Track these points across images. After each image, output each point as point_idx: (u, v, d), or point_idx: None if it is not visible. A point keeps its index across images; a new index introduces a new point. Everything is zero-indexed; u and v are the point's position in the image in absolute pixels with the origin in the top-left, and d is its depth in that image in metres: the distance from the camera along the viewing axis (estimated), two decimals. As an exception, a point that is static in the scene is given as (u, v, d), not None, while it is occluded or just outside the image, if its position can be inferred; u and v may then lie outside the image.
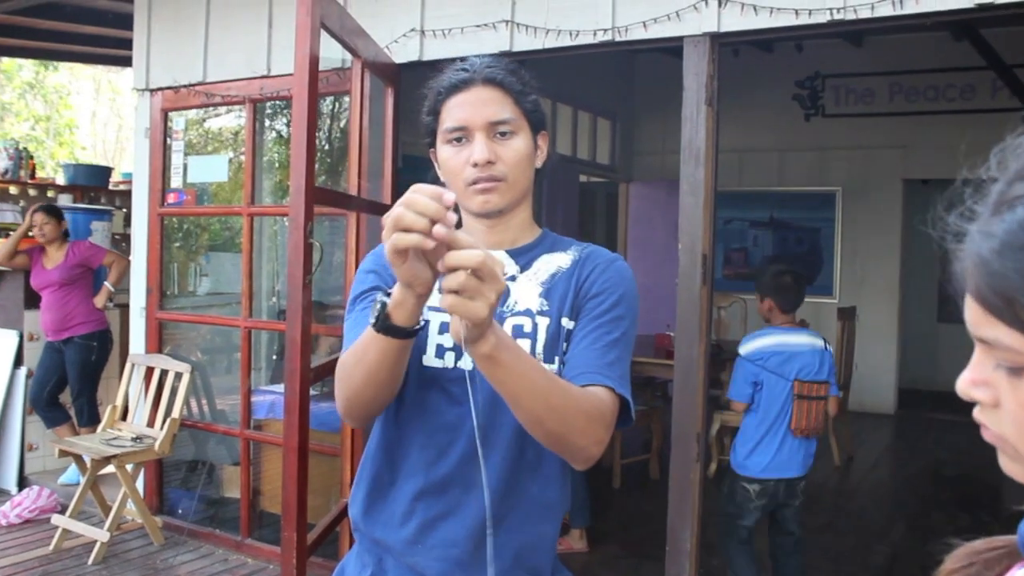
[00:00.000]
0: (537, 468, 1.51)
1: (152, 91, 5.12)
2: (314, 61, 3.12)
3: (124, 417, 5.17)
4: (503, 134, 1.49)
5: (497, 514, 1.42)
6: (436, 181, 1.39)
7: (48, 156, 16.29)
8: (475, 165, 1.47)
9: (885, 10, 3.12)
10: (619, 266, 1.56)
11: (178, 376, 4.95)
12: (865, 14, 3.16)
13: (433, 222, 1.08)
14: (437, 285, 1.48)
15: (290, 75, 3.60)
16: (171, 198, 5.09)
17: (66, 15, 6.04)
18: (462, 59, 1.55)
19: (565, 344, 1.49)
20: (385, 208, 3.88)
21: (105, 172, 8.05)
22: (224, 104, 4.97)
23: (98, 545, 4.55)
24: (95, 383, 5.82)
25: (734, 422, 4.06)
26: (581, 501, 4.65)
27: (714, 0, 3.40)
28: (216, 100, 4.90)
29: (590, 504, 4.76)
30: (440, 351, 1.49)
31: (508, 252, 1.56)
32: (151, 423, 4.97)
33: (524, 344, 1.47)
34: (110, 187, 7.79)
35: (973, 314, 0.67)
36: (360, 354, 1.33)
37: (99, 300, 5.75)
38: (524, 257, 1.57)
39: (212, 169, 5.50)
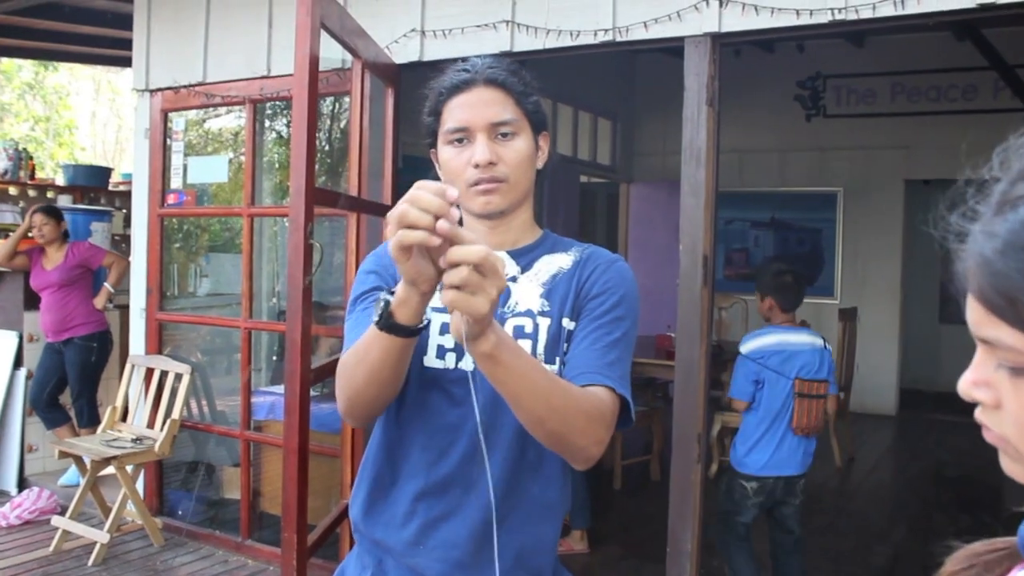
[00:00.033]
0: (538, 468, 1.51)
1: (152, 91, 5.11)
2: (314, 61, 3.11)
3: (124, 418, 5.16)
4: (505, 135, 1.48)
5: (498, 515, 1.41)
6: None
7: (48, 157, 16.29)
8: (477, 166, 1.46)
9: (887, 10, 3.11)
10: (620, 267, 1.55)
11: (178, 377, 4.94)
12: (867, 14, 3.15)
13: (437, 218, 1.08)
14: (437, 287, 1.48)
15: (290, 75, 3.58)
16: (171, 199, 5.08)
17: (65, 15, 6.03)
18: (463, 59, 1.55)
19: (566, 345, 1.48)
20: (385, 209, 3.88)
21: (105, 173, 8.04)
22: (224, 104, 4.97)
23: (98, 546, 4.54)
24: (95, 384, 5.81)
25: (735, 423, 4.06)
26: (582, 502, 4.64)
27: (715, 0, 3.39)
28: (216, 101, 4.89)
29: (591, 505, 4.75)
30: (441, 352, 1.49)
31: (509, 253, 1.56)
32: (151, 424, 4.96)
33: (525, 345, 1.47)
34: (110, 188, 7.78)
35: (975, 314, 0.67)
36: (362, 353, 1.32)
37: (99, 301, 5.74)
38: (525, 258, 1.57)
39: (212, 170, 5.49)
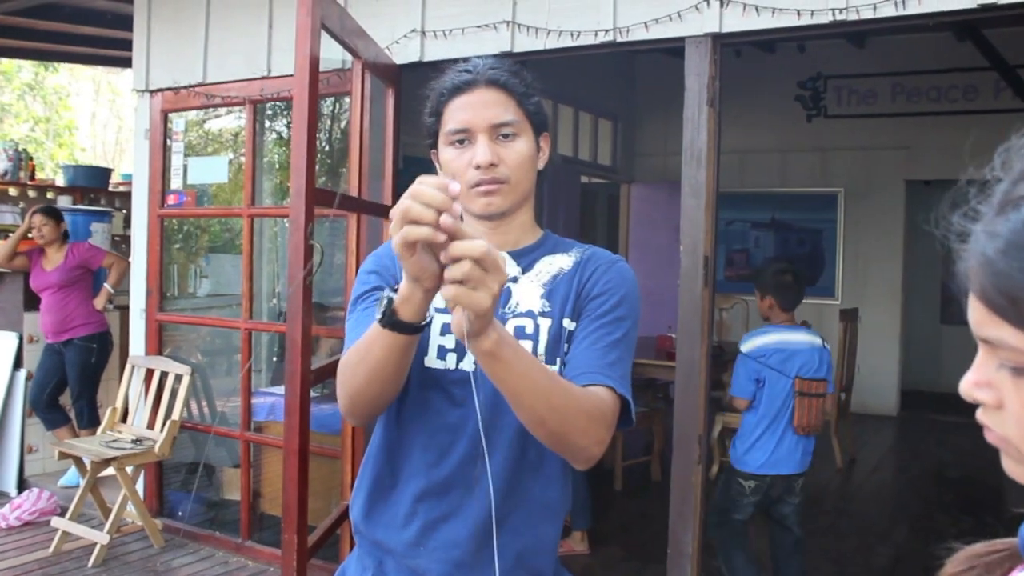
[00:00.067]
0: (538, 469, 1.51)
1: (152, 92, 5.11)
2: (314, 62, 3.11)
3: (124, 419, 5.15)
4: (506, 136, 1.48)
5: (499, 515, 1.42)
6: None
7: (48, 157, 16.28)
8: (478, 167, 1.46)
9: (887, 10, 3.10)
10: (621, 267, 1.55)
11: (178, 378, 4.93)
12: (867, 14, 3.15)
13: (440, 213, 1.09)
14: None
15: (290, 76, 3.58)
16: (171, 199, 5.08)
17: (65, 16, 6.03)
18: (464, 60, 1.54)
19: (567, 345, 1.48)
20: (386, 210, 3.88)
21: (105, 173, 8.03)
22: (224, 105, 4.96)
23: (98, 547, 4.54)
24: (95, 385, 5.81)
25: (736, 424, 4.07)
26: (582, 503, 4.63)
27: (716, 0, 3.39)
28: (216, 101, 4.89)
29: (591, 506, 4.75)
30: (442, 352, 1.49)
31: (510, 254, 1.55)
32: (151, 425, 4.95)
33: (526, 345, 1.46)
34: (110, 188, 7.76)
35: (977, 314, 0.67)
36: (364, 351, 1.32)
37: (99, 302, 5.74)
38: (526, 259, 1.57)
39: (212, 170, 5.49)
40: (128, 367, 5.15)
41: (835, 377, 6.44)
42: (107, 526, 4.58)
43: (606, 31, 3.63)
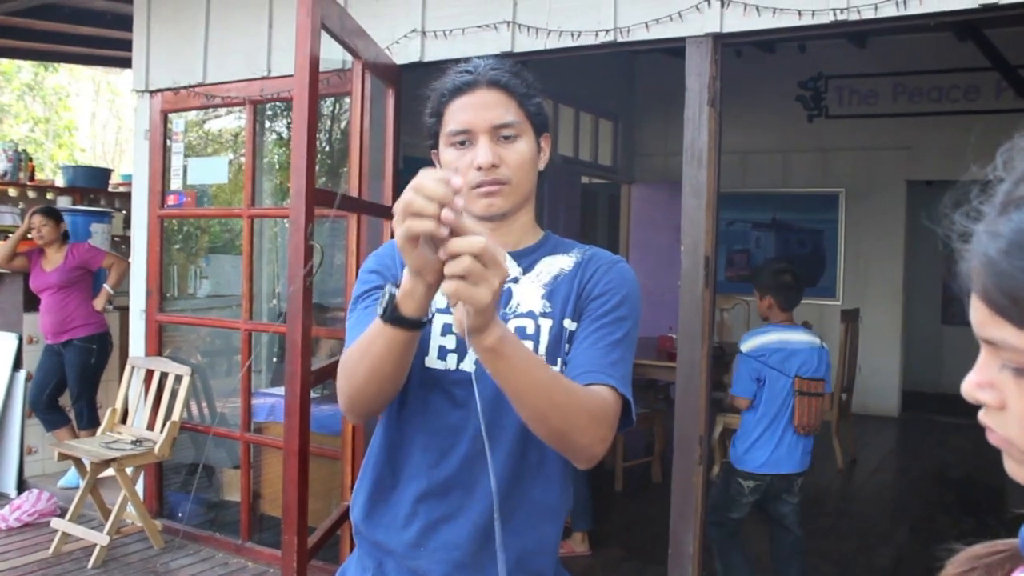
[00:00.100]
0: (539, 470, 1.51)
1: (152, 92, 5.10)
2: (315, 62, 3.10)
3: (124, 420, 5.15)
4: (507, 137, 1.48)
5: (500, 516, 1.41)
6: None
7: (47, 158, 16.28)
8: (479, 168, 1.46)
9: (889, 10, 3.10)
10: (621, 268, 1.55)
11: (178, 379, 4.93)
12: (868, 15, 3.14)
13: (443, 206, 1.09)
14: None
15: (290, 76, 3.58)
16: (171, 200, 5.07)
17: (64, 16, 6.02)
18: (464, 60, 1.54)
19: (568, 346, 1.48)
20: (386, 210, 3.87)
21: (104, 174, 8.02)
22: (224, 105, 4.96)
23: (98, 549, 4.53)
24: (95, 386, 5.80)
25: (737, 425, 4.07)
26: (583, 504, 4.62)
27: (716, 0, 3.38)
28: (216, 101, 4.88)
29: (592, 507, 4.74)
30: (442, 353, 1.49)
31: (511, 254, 1.55)
32: (151, 426, 4.95)
33: (527, 346, 1.45)
34: (109, 189, 7.75)
35: (979, 315, 0.67)
36: (365, 347, 1.32)
37: (98, 302, 5.73)
38: (527, 259, 1.57)
39: (212, 171, 5.48)
40: (128, 368, 5.15)
41: (835, 377, 6.48)
42: (107, 527, 4.57)
43: (607, 31, 3.62)
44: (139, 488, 4.97)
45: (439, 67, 1.58)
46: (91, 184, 7.57)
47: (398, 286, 1.25)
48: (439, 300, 1.49)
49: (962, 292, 0.68)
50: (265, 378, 5.64)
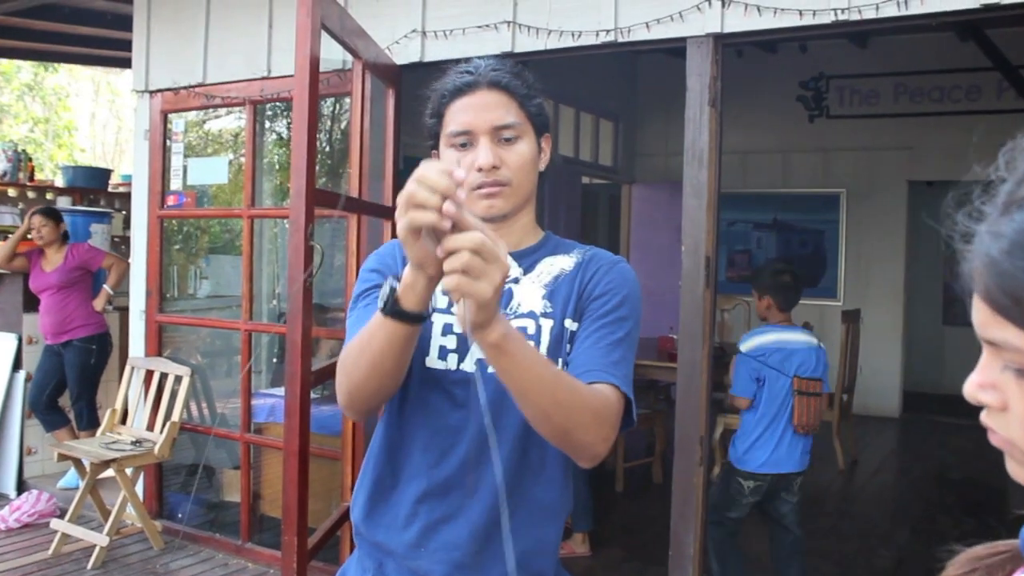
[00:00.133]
0: (540, 471, 1.51)
1: (151, 93, 5.10)
2: (315, 62, 3.10)
3: (124, 421, 5.14)
4: (508, 139, 1.48)
5: (500, 517, 1.42)
6: None
7: (47, 158, 16.28)
8: (480, 170, 1.46)
9: (890, 10, 3.09)
10: (622, 268, 1.55)
11: (178, 379, 4.92)
12: (870, 15, 3.13)
13: (445, 198, 1.09)
14: (440, 288, 1.47)
15: (291, 76, 3.57)
16: (171, 200, 5.07)
17: (64, 16, 6.02)
18: (464, 60, 1.54)
19: (569, 346, 1.49)
20: (386, 210, 3.87)
21: (104, 174, 8.01)
22: (224, 106, 4.95)
23: (97, 549, 4.53)
24: (94, 386, 5.80)
25: (737, 425, 4.07)
26: (584, 505, 4.61)
27: (717, 1, 3.37)
28: (216, 102, 4.88)
29: (593, 508, 4.73)
30: (443, 353, 1.49)
31: (511, 255, 1.54)
32: (151, 426, 4.94)
33: None
34: (109, 189, 7.75)
35: (981, 315, 0.66)
36: (365, 342, 1.32)
37: (98, 303, 5.73)
38: (527, 260, 1.57)
39: (212, 171, 5.47)
40: (128, 368, 5.14)
41: (836, 378, 6.48)
42: (106, 528, 4.57)
43: (607, 31, 3.61)
44: (139, 489, 4.97)
45: (439, 67, 1.58)
46: (91, 184, 7.56)
47: (399, 279, 1.26)
48: (440, 300, 1.49)
49: (964, 293, 0.68)
50: (265, 379, 5.63)
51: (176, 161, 5.06)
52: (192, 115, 5.30)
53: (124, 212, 7.20)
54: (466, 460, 1.46)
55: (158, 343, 5.10)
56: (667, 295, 5.23)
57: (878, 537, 5.22)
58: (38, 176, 8.05)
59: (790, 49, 8.36)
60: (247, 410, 4.69)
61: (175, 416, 4.81)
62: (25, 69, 16.46)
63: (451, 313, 1.50)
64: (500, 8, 3.85)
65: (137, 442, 4.85)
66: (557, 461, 1.52)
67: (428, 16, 4.06)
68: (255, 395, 4.94)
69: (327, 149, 6.22)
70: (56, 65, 15.52)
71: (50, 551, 4.64)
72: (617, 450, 5.80)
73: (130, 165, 7.88)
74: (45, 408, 5.65)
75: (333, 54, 3.63)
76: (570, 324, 1.49)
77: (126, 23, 5.38)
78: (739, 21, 3.35)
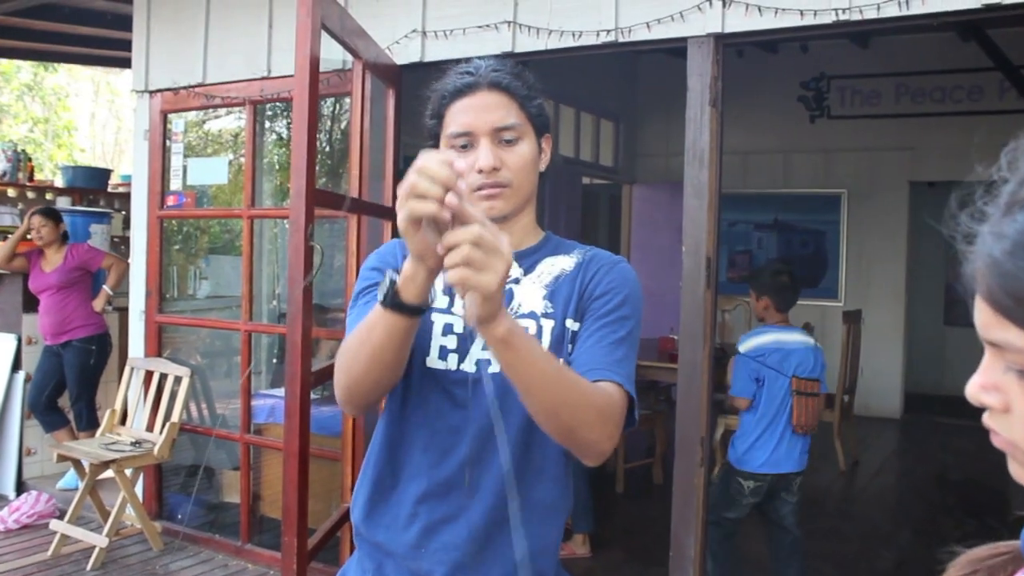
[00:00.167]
0: (541, 471, 1.51)
1: (151, 93, 5.09)
2: (315, 62, 3.09)
3: (123, 421, 5.13)
4: (508, 140, 1.48)
5: (500, 517, 1.44)
6: None
7: (47, 158, 16.26)
8: (480, 171, 1.46)
9: (891, 11, 3.08)
10: (623, 267, 1.56)
11: (177, 380, 4.91)
12: (871, 15, 3.12)
13: (447, 188, 1.09)
14: (440, 287, 1.47)
15: (291, 76, 3.56)
16: (170, 200, 5.06)
17: (64, 16, 6.01)
18: (465, 60, 1.54)
19: (570, 346, 1.49)
20: (387, 211, 3.86)
21: (104, 174, 8.00)
22: (224, 106, 4.94)
23: (97, 551, 4.52)
24: (94, 387, 5.79)
25: (737, 426, 4.07)
26: (584, 506, 4.61)
27: (718, 1, 3.36)
28: (216, 102, 4.87)
29: (593, 509, 4.72)
30: (443, 353, 1.49)
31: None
32: (150, 427, 4.94)
33: None
34: (109, 189, 7.74)
35: (984, 316, 0.66)
36: (365, 335, 1.33)
37: (98, 303, 5.72)
38: (528, 260, 1.57)
39: (212, 171, 5.47)
40: (127, 369, 5.13)
41: (839, 378, 6.48)
42: (106, 529, 4.56)
43: (608, 31, 3.60)
44: (138, 490, 4.96)
45: (440, 67, 1.58)
46: (90, 185, 7.55)
47: (399, 272, 1.26)
48: (440, 300, 1.49)
49: (966, 294, 0.67)
50: (265, 379, 5.63)
51: (176, 161, 5.05)
52: (192, 115, 5.29)
53: (124, 212, 7.19)
54: (467, 460, 1.46)
55: (158, 344, 5.10)
56: (668, 295, 5.22)
57: (879, 538, 5.21)
58: (38, 176, 8.05)
59: (791, 49, 8.35)
60: (247, 411, 4.69)
61: (175, 417, 4.80)
62: (25, 69, 16.45)
63: (451, 313, 1.50)
64: (500, 8, 3.84)
65: (137, 443, 4.84)
66: (558, 461, 1.52)
67: (428, 16, 4.05)
68: (255, 396, 4.94)
69: (327, 149, 6.21)
70: (56, 65, 15.52)
71: (49, 552, 4.64)
72: (617, 451, 5.79)
73: (130, 165, 7.87)
74: (44, 409, 5.64)
75: (333, 54, 3.62)
76: (571, 324, 1.49)
77: (126, 23, 5.37)
78: (740, 21, 3.34)
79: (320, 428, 3.89)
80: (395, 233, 3.89)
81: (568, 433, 1.32)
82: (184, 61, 4.90)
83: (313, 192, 3.08)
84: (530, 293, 1.52)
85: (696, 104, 3.44)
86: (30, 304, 5.82)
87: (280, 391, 4.40)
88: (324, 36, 3.17)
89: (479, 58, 1.54)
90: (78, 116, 18.58)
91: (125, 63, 5.97)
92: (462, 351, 1.48)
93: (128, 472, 4.65)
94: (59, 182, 7.72)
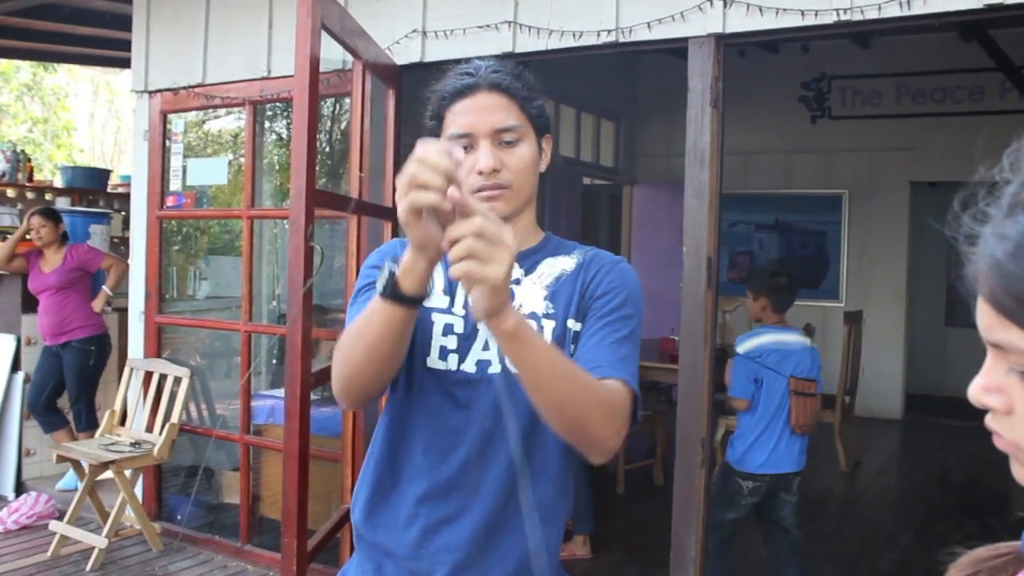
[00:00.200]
0: (543, 472, 1.51)
1: (151, 93, 5.08)
2: (315, 62, 3.08)
3: (123, 422, 5.12)
4: (508, 142, 1.48)
5: (501, 519, 1.45)
6: None
7: (46, 158, 16.26)
8: (480, 173, 1.46)
9: (892, 11, 3.07)
10: (623, 267, 1.56)
11: (177, 381, 4.90)
12: (872, 15, 3.12)
13: (448, 178, 1.09)
14: (440, 287, 1.45)
15: (290, 77, 3.56)
16: (170, 201, 5.05)
17: (64, 16, 6.01)
18: (465, 61, 1.53)
19: (572, 346, 1.48)
20: (387, 211, 3.85)
21: (103, 175, 8.00)
22: (224, 106, 4.93)
23: (96, 551, 4.51)
24: (93, 388, 5.78)
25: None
26: (584, 507, 4.60)
27: (719, 1, 3.35)
28: (216, 102, 4.86)
29: (593, 510, 4.72)
30: (443, 353, 1.49)
31: (512, 256, 1.53)
32: (150, 428, 4.93)
33: None
34: (108, 190, 7.73)
35: (986, 318, 0.66)
36: (363, 326, 1.33)
37: (97, 304, 5.71)
38: (528, 261, 1.56)
39: (212, 172, 5.46)
40: (127, 369, 5.13)
41: (840, 379, 6.47)
42: (105, 530, 4.55)
43: (608, 31, 3.60)
44: (138, 491, 4.95)
45: (440, 67, 1.57)
46: (90, 185, 7.55)
47: (398, 263, 1.26)
48: (441, 301, 1.50)
49: (969, 295, 0.67)
50: (265, 380, 5.62)
51: (175, 161, 5.04)
52: (192, 115, 5.29)
53: (123, 213, 7.19)
54: (467, 461, 1.46)
55: (157, 344, 5.09)
56: (668, 296, 5.21)
57: (880, 539, 5.20)
58: (37, 176, 8.04)
59: (792, 49, 8.35)
60: (247, 412, 4.68)
61: (174, 417, 4.80)
62: (24, 69, 16.45)
63: (452, 313, 1.50)
64: (501, 8, 3.83)
65: (136, 443, 4.83)
66: (558, 463, 1.52)
67: (428, 16, 4.04)
68: (255, 396, 4.93)
69: (327, 149, 6.20)
70: (55, 65, 15.52)
71: (49, 553, 4.63)
72: (618, 452, 5.77)
73: (129, 166, 7.87)
74: (44, 409, 5.63)
75: (333, 54, 3.61)
76: (573, 324, 1.49)
77: (126, 23, 5.37)
78: (741, 21, 3.34)
79: (320, 429, 3.89)
80: (395, 233, 3.89)
81: (576, 429, 1.31)
82: (184, 61, 4.89)
83: (313, 192, 3.08)
84: (531, 294, 1.52)
85: (697, 104, 3.43)
86: (29, 305, 5.81)
87: (280, 392, 4.39)
88: (324, 36, 3.16)
89: (479, 58, 1.53)
90: (77, 116, 18.58)
91: (125, 63, 5.96)
92: (462, 351, 1.48)
93: (127, 473, 4.65)
94: (58, 182, 7.72)
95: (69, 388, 5.66)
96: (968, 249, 0.66)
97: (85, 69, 16.41)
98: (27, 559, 4.62)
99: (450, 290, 1.53)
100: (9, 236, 5.83)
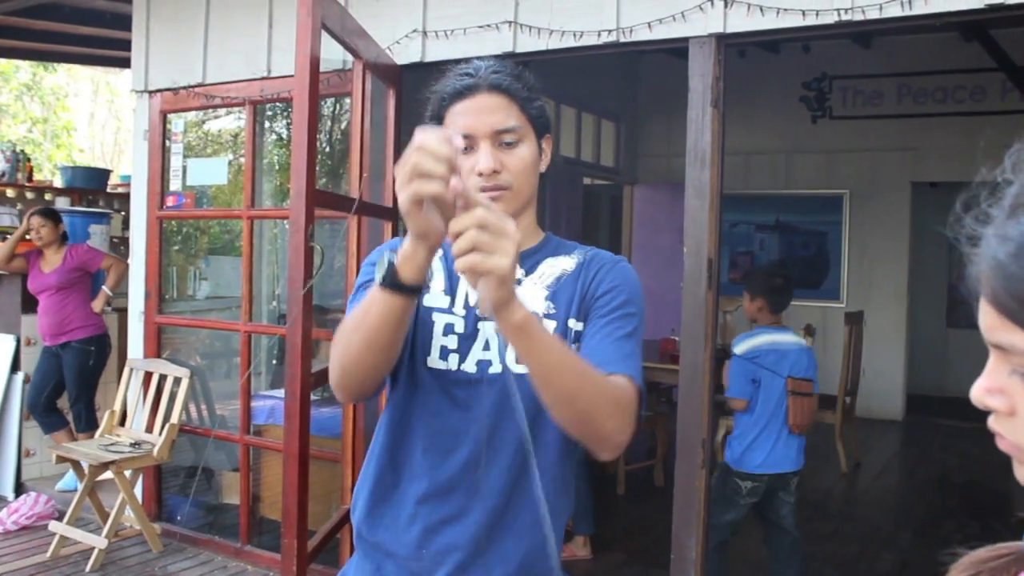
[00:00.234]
0: (544, 472, 1.49)
1: (151, 93, 5.07)
2: (315, 62, 3.08)
3: (122, 422, 5.12)
4: (508, 143, 1.48)
5: (501, 519, 1.45)
6: None
7: (46, 158, 16.26)
8: (480, 174, 1.45)
9: (894, 11, 3.07)
10: (624, 266, 1.56)
11: (177, 381, 4.90)
12: (873, 15, 3.11)
13: (450, 166, 1.09)
14: (441, 287, 1.45)
15: (291, 76, 3.56)
16: (170, 201, 5.05)
17: (64, 16, 6.00)
18: (465, 61, 1.53)
19: (574, 346, 1.48)
20: (387, 211, 3.85)
21: (103, 175, 7.99)
22: (224, 106, 4.93)
23: (96, 552, 4.51)
24: (93, 388, 5.77)
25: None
26: (585, 507, 4.59)
27: (720, 1, 3.35)
28: (216, 102, 4.85)
29: (594, 511, 4.71)
30: (444, 353, 1.49)
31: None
32: (150, 428, 4.92)
33: None
34: (108, 190, 7.73)
35: (988, 319, 0.66)
36: (361, 316, 1.32)
37: (97, 304, 5.70)
38: (529, 261, 1.56)
39: (212, 172, 5.46)
40: (127, 370, 5.12)
41: (840, 379, 6.47)
42: (105, 530, 4.55)
43: (609, 31, 3.59)
44: (138, 491, 4.95)
45: (440, 67, 1.57)
46: (90, 185, 7.54)
47: (396, 253, 1.26)
48: (441, 301, 1.50)
49: (971, 296, 0.67)
50: (265, 380, 5.62)
51: (175, 161, 5.03)
52: (192, 115, 5.29)
53: (123, 213, 7.18)
54: (468, 461, 1.46)
55: (157, 344, 5.08)
56: (669, 296, 5.21)
57: (881, 540, 5.19)
58: (37, 176, 8.04)
59: (793, 49, 8.34)
60: (246, 412, 4.67)
61: (174, 418, 4.79)
62: (24, 69, 16.45)
63: (453, 313, 1.51)
64: (501, 8, 3.83)
65: (136, 444, 4.83)
66: (559, 463, 1.52)
67: (429, 16, 4.03)
68: (255, 397, 4.93)
69: (327, 149, 6.20)
70: (55, 65, 15.51)
71: (48, 553, 4.62)
72: (618, 452, 5.76)
73: (129, 165, 7.87)
74: (43, 410, 5.63)
75: (333, 54, 3.61)
76: (574, 324, 1.49)
77: (126, 23, 5.36)
78: (742, 21, 3.33)
79: (320, 429, 3.88)
80: (395, 233, 3.89)
81: (585, 423, 1.31)
82: (184, 61, 4.89)
83: (313, 192, 3.08)
84: (532, 294, 1.52)
85: (698, 104, 3.42)
86: (29, 305, 5.80)
87: (280, 392, 4.39)
88: (324, 36, 3.16)
89: (479, 58, 1.53)
90: (77, 116, 18.58)
91: (125, 63, 5.96)
92: (463, 351, 1.48)
93: (127, 473, 4.64)
94: (58, 182, 7.72)
95: (69, 388, 5.66)
96: (970, 250, 0.65)
97: (85, 69, 16.42)
98: (27, 560, 4.62)
99: (451, 290, 1.53)
100: (9, 236, 5.83)
